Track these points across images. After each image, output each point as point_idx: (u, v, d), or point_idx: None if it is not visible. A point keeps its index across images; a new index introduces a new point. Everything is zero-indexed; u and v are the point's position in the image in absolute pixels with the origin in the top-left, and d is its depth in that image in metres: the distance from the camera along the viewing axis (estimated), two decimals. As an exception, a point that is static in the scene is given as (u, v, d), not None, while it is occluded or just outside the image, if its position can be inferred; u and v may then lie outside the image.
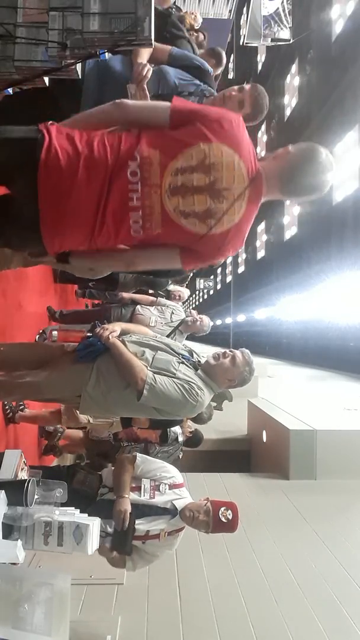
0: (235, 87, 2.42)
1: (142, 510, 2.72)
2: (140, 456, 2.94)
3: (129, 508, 2.65)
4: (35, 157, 1.57)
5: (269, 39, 10.73)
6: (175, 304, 4.88)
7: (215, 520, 2.70)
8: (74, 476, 2.89)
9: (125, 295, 5.02)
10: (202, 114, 1.67)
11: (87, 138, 1.64)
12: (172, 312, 4.63)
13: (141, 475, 2.85)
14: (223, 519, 2.70)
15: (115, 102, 1.68)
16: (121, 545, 2.63)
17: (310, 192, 1.76)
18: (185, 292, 5.50)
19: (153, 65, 2.32)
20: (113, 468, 2.93)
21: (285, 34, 10.95)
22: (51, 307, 5.35)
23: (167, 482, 2.84)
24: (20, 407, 3.99)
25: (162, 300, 4.87)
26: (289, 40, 10.87)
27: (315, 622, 3.31)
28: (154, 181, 1.62)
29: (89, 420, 4.07)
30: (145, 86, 2.22)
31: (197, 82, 2.50)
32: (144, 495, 2.77)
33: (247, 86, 2.41)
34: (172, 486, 2.84)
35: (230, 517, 2.71)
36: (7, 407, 3.87)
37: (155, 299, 4.87)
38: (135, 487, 2.80)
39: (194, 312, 5.64)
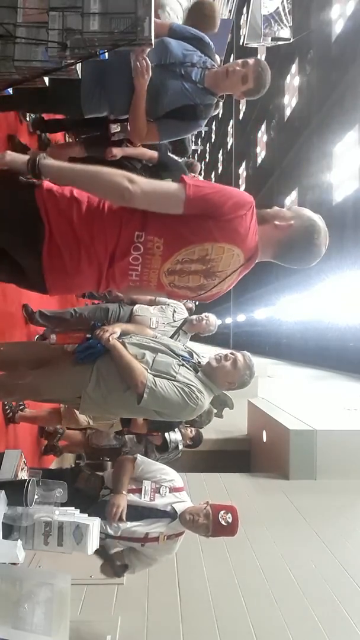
0: (239, 62, 2.40)
1: (142, 512, 2.74)
2: (140, 457, 2.95)
3: (123, 504, 2.67)
4: (38, 244, 1.62)
5: (269, 38, 10.70)
6: (177, 302, 4.50)
7: (215, 523, 2.69)
8: (78, 475, 2.89)
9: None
10: (217, 211, 1.60)
11: (85, 217, 1.62)
12: (174, 311, 4.27)
13: (141, 475, 2.86)
14: (223, 522, 2.69)
15: (124, 196, 1.55)
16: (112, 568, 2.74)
17: (302, 266, 1.85)
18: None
19: (157, 40, 2.29)
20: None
21: (285, 32, 10.92)
22: (28, 305, 4.39)
23: (167, 485, 2.85)
24: (21, 407, 3.98)
25: (162, 298, 4.47)
26: (289, 39, 10.85)
27: (315, 622, 3.31)
28: (154, 266, 1.69)
29: (88, 423, 4.05)
30: (146, 56, 2.21)
31: (199, 53, 2.48)
32: (144, 497, 2.78)
33: (250, 61, 2.39)
34: (173, 489, 2.85)
35: (230, 520, 2.70)
36: (7, 407, 3.86)
37: (154, 297, 4.38)
38: (136, 489, 2.81)
39: (189, 304, 5.40)
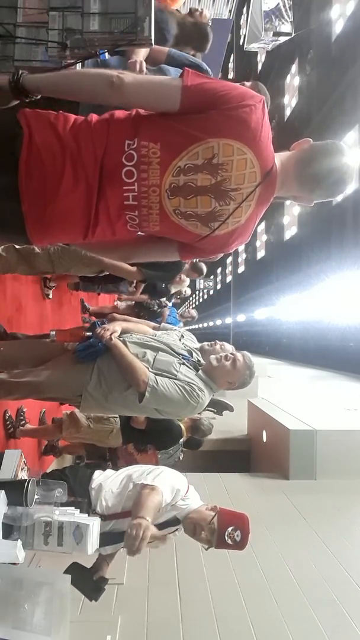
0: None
1: None
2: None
3: (152, 530, 2.16)
4: (15, 154, 1.39)
5: (271, 33, 10.70)
6: (185, 331, 3.76)
7: (220, 542, 2.41)
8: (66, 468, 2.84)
9: (118, 316, 4.20)
10: (221, 100, 1.41)
11: (71, 126, 1.45)
12: (182, 337, 3.51)
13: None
14: (229, 542, 2.39)
15: (113, 82, 1.38)
16: (87, 590, 2.42)
17: (329, 190, 1.60)
18: (185, 280, 5.10)
19: (155, 68, 2.32)
20: (110, 470, 2.77)
21: (286, 27, 10.91)
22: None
23: (164, 505, 2.46)
24: (22, 423, 4.00)
25: (167, 325, 3.90)
26: (291, 33, 10.84)
27: (315, 622, 3.31)
28: (152, 181, 1.45)
29: (89, 425, 4.03)
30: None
31: None
32: None
33: (247, 84, 2.40)
34: (173, 503, 2.52)
35: (238, 538, 2.39)
36: (8, 423, 3.87)
37: (158, 325, 3.83)
38: (123, 513, 2.47)
39: (192, 311, 5.25)
